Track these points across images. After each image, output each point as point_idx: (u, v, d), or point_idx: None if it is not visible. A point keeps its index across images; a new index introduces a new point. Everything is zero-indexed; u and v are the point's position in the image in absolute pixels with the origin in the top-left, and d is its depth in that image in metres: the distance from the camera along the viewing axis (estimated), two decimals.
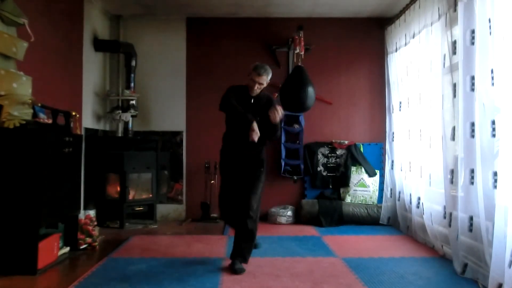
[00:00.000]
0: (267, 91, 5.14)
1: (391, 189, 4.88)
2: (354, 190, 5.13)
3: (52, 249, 3.19)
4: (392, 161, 4.89)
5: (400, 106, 4.69)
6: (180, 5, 4.98)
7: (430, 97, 3.84)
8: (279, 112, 3.08)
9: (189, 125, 5.36)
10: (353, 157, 5.22)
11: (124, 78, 5.22)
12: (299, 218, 5.06)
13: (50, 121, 3.35)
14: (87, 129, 4.62)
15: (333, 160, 5.31)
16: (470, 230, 2.99)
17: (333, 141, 5.32)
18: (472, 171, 2.92)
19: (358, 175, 5.15)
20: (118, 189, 4.74)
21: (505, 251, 2.44)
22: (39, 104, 3.25)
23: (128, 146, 4.97)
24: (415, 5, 4.19)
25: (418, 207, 4.09)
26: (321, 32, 5.36)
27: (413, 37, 4.25)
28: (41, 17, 3.63)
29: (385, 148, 5.10)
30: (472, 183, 2.92)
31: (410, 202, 4.29)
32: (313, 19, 5.34)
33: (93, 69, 4.85)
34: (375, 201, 5.06)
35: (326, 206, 4.96)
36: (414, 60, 4.25)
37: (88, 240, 3.68)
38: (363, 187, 5.11)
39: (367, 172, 5.11)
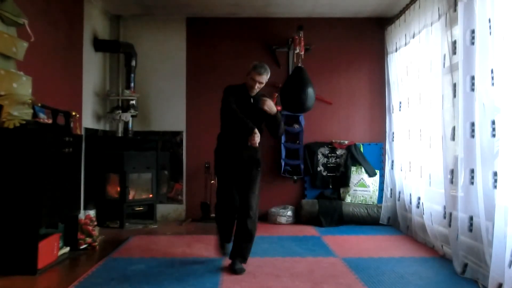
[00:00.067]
0: (268, 91, 5.18)
1: (391, 189, 4.88)
2: (354, 190, 5.13)
3: (52, 249, 3.19)
4: (392, 161, 4.89)
5: (400, 106, 4.69)
6: (180, 5, 4.98)
7: (430, 97, 3.84)
8: (267, 101, 3.09)
9: (189, 125, 5.36)
10: (353, 157, 5.22)
11: (124, 78, 5.22)
12: (299, 218, 5.06)
13: (50, 121, 3.35)
14: (87, 129, 4.62)
15: (333, 160, 5.31)
16: (470, 230, 2.99)
17: (333, 141, 5.32)
18: (472, 171, 2.92)
19: (358, 175, 5.15)
20: (118, 189, 4.74)
21: (505, 251, 2.44)
22: (39, 104, 3.25)
23: (128, 146, 4.97)
24: (415, 5, 4.19)
25: (418, 207, 4.09)
26: (321, 32, 5.36)
27: (413, 37, 4.25)
28: (41, 17, 3.63)
29: (385, 148, 5.10)
30: (472, 183, 2.92)
31: (410, 202, 4.29)
32: (313, 19, 5.34)
33: (93, 69, 4.85)
34: (375, 201, 5.06)
35: (326, 206, 4.96)
36: (414, 60, 4.25)
37: (88, 240, 3.68)
38: (363, 187, 5.11)
39: (367, 172, 5.11)
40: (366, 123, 5.39)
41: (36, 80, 3.28)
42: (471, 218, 2.98)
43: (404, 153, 4.54)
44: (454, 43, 3.30)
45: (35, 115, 3.18)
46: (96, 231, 3.81)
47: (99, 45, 4.92)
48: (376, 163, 5.25)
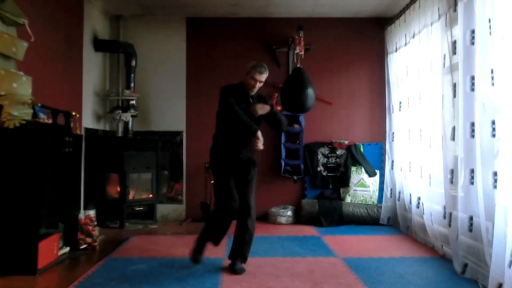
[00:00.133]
0: (268, 91, 5.18)
1: (391, 189, 4.88)
2: (354, 190, 5.13)
3: (52, 249, 3.19)
4: (392, 161, 4.89)
5: (400, 106, 4.69)
6: (180, 5, 4.98)
7: (430, 97, 3.84)
8: (255, 107, 3.05)
9: (189, 125, 5.36)
10: (353, 157, 5.22)
11: (124, 78, 5.22)
12: (299, 218, 5.06)
13: (50, 121, 3.35)
14: (87, 129, 4.62)
15: (333, 160, 5.31)
16: (470, 230, 2.99)
17: (333, 141, 5.32)
18: (472, 171, 2.92)
19: (358, 175, 5.15)
20: (118, 189, 4.74)
21: (505, 251, 2.44)
22: (39, 104, 3.25)
23: (128, 146, 4.97)
24: (415, 5, 4.19)
25: (418, 207, 4.09)
26: (321, 32, 5.36)
27: (413, 37, 4.25)
28: (41, 17, 3.63)
29: (385, 148, 5.10)
30: (472, 183, 2.92)
31: (410, 202, 4.29)
32: (313, 19, 5.34)
33: (93, 69, 4.85)
34: (375, 201, 5.06)
35: (326, 206, 4.96)
36: (414, 60, 4.25)
37: (88, 240, 3.68)
38: (363, 187, 5.11)
39: (367, 172, 5.11)
40: (366, 123, 5.39)
41: (36, 80, 3.28)
42: (471, 218, 2.98)
43: (404, 153, 4.54)
44: (454, 43, 3.30)
45: (35, 115, 3.18)
46: (96, 231, 3.81)
47: (99, 45, 4.92)
48: (376, 163, 5.25)
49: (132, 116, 5.06)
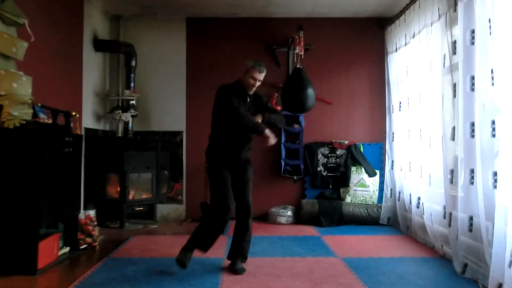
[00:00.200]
0: (268, 91, 5.19)
1: (391, 189, 4.88)
2: (354, 190, 5.13)
3: (52, 249, 3.19)
4: (392, 161, 4.89)
5: (400, 106, 4.69)
6: (180, 5, 4.98)
7: (430, 97, 3.84)
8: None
9: (189, 125, 5.36)
10: (353, 157, 5.22)
11: (124, 78, 5.22)
12: (299, 218, 5.06)
13: (50, 121, 3.36)
14: (87, 129, 4.62)
15: (333, 160, 5.31)
16: (470, 230, 2.99)
17: (333, 141, 5.32)
18: (472, 171, 2.92)
19: (358, 175, 5.15)
20: (118, 189, 4.74)
21: (505, 251, 2.44)
22: (39, 104, 3.25)
23: (128, 146, 4.97)
24: (415, 5, 4.19)
25: (418, 207, 4.09)
26: (321, 32, 5.36)
27: (413, 37, 4.25)
28: (41, 17, 3.63)
29: (385, 148, 5.10)
30: (472, 183, 2.92)
31: (410, 202, 4.29)
32: (313, 19, 5.34)
33: (93, 69, 4.85)
34: (375, 201, 5.06)
35: (326, 206, 4.96)
36: (414, 60, 4.25)
37: (88, 240, 3.68)
38: (363, 187, 5.11)
39: (367, 172, 5.11)
40: (366, 123, 5.39)
41: (36, 80, 3.29)
42: (471, 218, 2.98)
43: (404, 153, 4.54)
44: (454, 43, 3.30)
45: (35, 115, 3.18)
46: (96, 231, 3.81)
47: (99, 45, 4.92)
48: (376, 163, 5.25)
49: (132, 116, 5.06)
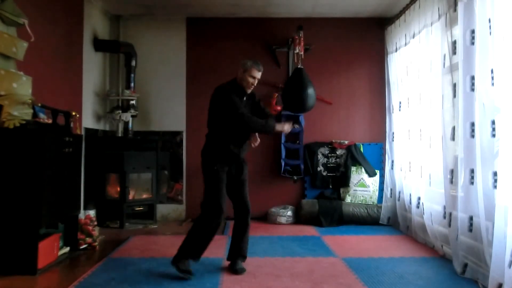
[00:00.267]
0: (268, 91, 5.19)
1: (391, 189, 4.88)
2: (354, 190, 5.13)
3: (52, 249, 3.19)
4: (392, 161, 4.89)
5: (400, 106, 4.69)
6: (180, 5, 4.98)
7: (430, 97, 3.84)
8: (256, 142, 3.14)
9: (189, 125, 5.36)
10: (353, 157, 5.22)
11: (124, 78, 5.22)
12: (299, 218, 5.06)
13: (50, 121, 3.35)
14: (87, 129, 4.62)
15: (333, 160, 5.31)
16: (470, 230, 2.99)
17: (333, 141, 5.32)
18: (472, 171, 2.92)
19: (358, 175, 5.15)
20: (118, 189, 4.74)
21: (505, 251, 2.44)
22: (39, 104, 3.25)
23: (128, 146, 4.97)
24: (415, 5, 4.19)
25: (418, 207, 4.09)
26: (321, 32, 5.36)
27: (413, 37, 4.25)
28: (41, 17, 3.63)
29: (385, 148, 5.10)
30: (472, 183, 2.92)
31: (410, 202, 4.29)
32: (313, 19, 5.34)
33: (93, 69, 4.85)
34: (375, 201, 5.06)
35: (326, 206, 4.96)
36: (414, 60, 4.25)
37: (88, 240, 3.68)
38: (363, 187, 5.11)
39: (367, 172, 5.11)
40: (366, 123, 5.39)
41: (36, 80, 3.28)
42: (471, 218, 2.98)
43: (404, 153, 4.54)
44: (454, 43, 3.30)
45: (35, 115, 3.18)
46: (96, 231, 3.81)
47: (99, 45, 4.92)
48: (376, 163, 5.25)
49: (132, 116, 5.06)
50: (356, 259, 3.43)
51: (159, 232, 4.54)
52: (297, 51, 4.86)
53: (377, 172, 5.17)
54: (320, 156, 5.31)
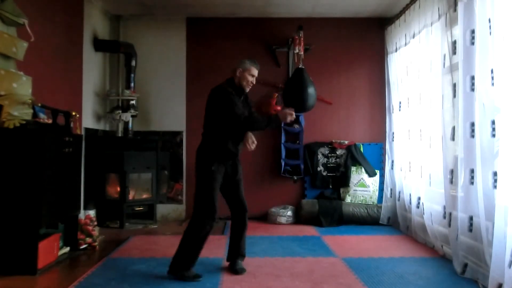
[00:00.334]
0: (268, 91, 5.19)
1: (391, 189, 4.88)
2: (354, 190, 5.13)
3: (52, 249, 3.19)
4: (392, 161, 4.89)
5: (400, 106, 4.69)
6: (180, 5, 4.98)
7: (430, 97, 3.84)
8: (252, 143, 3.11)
9: (189, 125, 5.36)
10: (353, 157, 5.22)
11: (124, 78, 5.22)
12: (299, 218, 5.06)
13: (50, 121, 3.35)
14: (87, 129, 4.62)
15: (333, 160, 5.31)
16: (470, 230, 2.99)
17: (333, 141, 5.32)
18: (472, 171, 2.92)
19: (358, 175, 5.15)
20: (118, 189, 4.74)
21: (505, 251, 2.44)
22: (39, 104, 3.25)
23: (128, 146, 4.97)
24: (415, 5, 4.19)
25: (418, 207, 4.09)
26: (321, 32, 5.36)
27: (413, 37, 4.25)
28: (41, 17, 3.63)
29: (385, 148, 5.10)
30: (472, 183, 2.92)
31: (410, 202, 4.29)
32: (313, 19, 5.34)
33: (93, 69, 4.85)
34: (375, 201, 5.06)
35: (326, 206, 4.96)
36: (414, 60, 4.25)
37: (88, 240, 3.68)
38: (363, 187, 5.11)
39: (367, 172, 5.11)
40: (366, 123, 5.39)
41: (36, 80, 3.28)
42: (471, 218, 2.98)
43: (404, 153, 4.54)
44: (454, 43, 3.30)
45: (35, 115, 3.18)
46: (96, 231, 3.81)
47: (99, 45, 4.92)
48: (376, 163, 5.25)
49: (132, 116, 5.06)
50: (356, 259, 3.43)
51: (159, 232, 4.54)
52: (297, 51, 4.86)
53: (377, 172, 5.17)
54: (320, 156, 5.31)
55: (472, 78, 2.95)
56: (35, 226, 2.96)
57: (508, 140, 2.53)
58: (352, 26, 5.38)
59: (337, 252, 3.68)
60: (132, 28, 5.38)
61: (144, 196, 4.96)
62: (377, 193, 5.09)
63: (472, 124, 2.94)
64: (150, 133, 5.35)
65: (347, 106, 5.39)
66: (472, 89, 2.96)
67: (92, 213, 4.06)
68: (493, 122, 2.72)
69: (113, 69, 5.35)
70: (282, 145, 5.26)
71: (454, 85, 3.29)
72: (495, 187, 2.68)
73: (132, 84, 5.11)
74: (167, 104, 5.36)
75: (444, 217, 3.43)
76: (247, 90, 3.12)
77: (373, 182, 5.11)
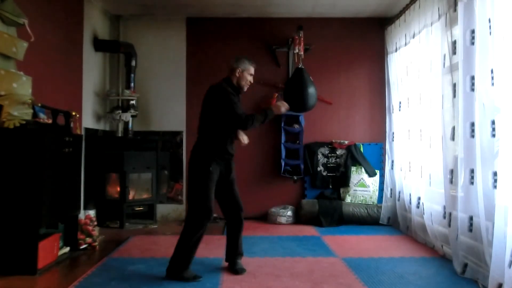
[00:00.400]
0: (268, 91, 5.19)
1: (391, 189, 4.88)
2: (354, 190, 5.13)
3: (52, 249, 3.19)
4: (392, 161, 4.89)
5: (400, 106, 4.69)
6: (180, 5, 4.98)
7: (430, 97, 3.84)
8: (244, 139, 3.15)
9: (189, 125, 5.36)
10: (353, 157, 5.22)
11: (124, 78, 5.22)
12: (299, 218, 5.06)
13: (50, 121, 3.36)
14: (87, 129, 4.62)
15: (333, 160, 5.31)
16: (470, 230, 2.99)
17: (333, 141, 5.32)
18: (472, 171, 2.92)
19: (358, 175, 5.15)
20: (118, 189, 4.74)
21: (505, 251, 2.44)
22: (39, 104, 3.25)
23: (128, 146, 4.97)
24: (415, 5, 4.19)
25: (418, 207, 4.09)
26: (321, 32, 5.36)
27: (413, 37, 4.25)
28: (41, 17, 3.63)
29: (385, 148, 5.10)
30: (472, 183, 2.92)
31: (410, 202, 4.29)
32: (313, 19, 5.34)
33: (93, 69, 4.85)
34: (375, 201, 5.06)
35: (326, 206, 4.96)
36: (414, 60, 4.25)
37: (88, 240, 3.68)
38: (363, 187, 5.11)
39: (367, 172, 5.11)
40: (366, 123, 5.39)
41: (36, 80, 3.28)
42: (471, 218, 2.98)
43: (404, 153, 4.54)
44: (454, 43, 3.30)
45: (35, 115, 3.18)
46: (96, 231, 3.81)
47: (99, 45, 4.92)
48: (376, 163, 5.25)
49: (132, 116, 5.06)
50: (356, 259, 3.43)
51: (159, 232, 4.54)
52: (297, 51, 4.85)
53: (377, 172, 5.17)
54: (320, 156, 5.31)
55: (472, 78, 2.96)
56: (35, 226, 2.96)
57: (508, 140, 2.53)
58: (352, 26, 5.38)
59: (337, 252, 3.68)
60: (132, 28, 5.38)
61: (144, 196, 4.96)
62: (377, 193, 5.09)
63: (472, 124, 2.94)
64: (150, 133, 5.35)
65: (347, 106, 5.39)
66: (472, 89, 2.96)
67: (92, 213, 4.06)
68: (493, 122, 2.72)
69: (113, 69, 5.35)
70: (282, 145, 5.26)
71: (454, 85, 3.29)
72: (495, 187, 2.68)
73: (132, 84, 5.11)
74: (167, 104, 5.36)
75: (444, 217, 3.43)
76: (245, 89, 3.12)
77: (373, 182, 5.11)
